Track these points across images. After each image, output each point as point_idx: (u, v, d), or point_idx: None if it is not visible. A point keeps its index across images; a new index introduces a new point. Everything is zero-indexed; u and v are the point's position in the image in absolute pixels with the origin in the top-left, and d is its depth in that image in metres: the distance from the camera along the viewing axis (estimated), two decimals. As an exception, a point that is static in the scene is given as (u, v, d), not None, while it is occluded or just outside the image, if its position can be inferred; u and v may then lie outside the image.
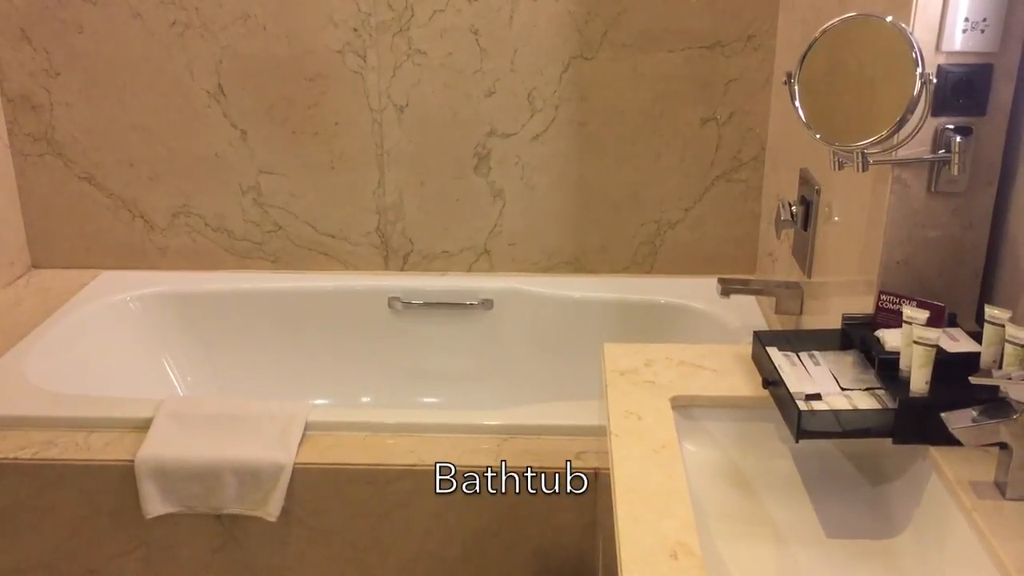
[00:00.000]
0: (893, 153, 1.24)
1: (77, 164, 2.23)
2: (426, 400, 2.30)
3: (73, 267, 2.32)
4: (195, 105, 2.17)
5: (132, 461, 1.60)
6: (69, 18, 2.10)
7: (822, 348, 1.25)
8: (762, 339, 1.28)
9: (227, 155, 2.21)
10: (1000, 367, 1.07)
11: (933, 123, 1.22)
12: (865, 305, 1.35)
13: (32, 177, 2.24)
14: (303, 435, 1.65)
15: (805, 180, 1.72)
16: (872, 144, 1.18)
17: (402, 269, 2.30)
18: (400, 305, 2.24)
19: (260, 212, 2.26)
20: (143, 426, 1.67)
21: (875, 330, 1.22)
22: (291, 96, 2.15)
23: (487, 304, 2.23)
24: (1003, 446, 1.00)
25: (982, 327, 1.09)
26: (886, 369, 1.16)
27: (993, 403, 0.99)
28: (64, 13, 2.10)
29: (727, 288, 1.87)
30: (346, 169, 2.21)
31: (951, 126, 1.22)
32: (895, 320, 1.21)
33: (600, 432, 1.63)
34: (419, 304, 2.24)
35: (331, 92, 2.14)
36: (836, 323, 1.31)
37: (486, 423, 1.68)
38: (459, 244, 2.27)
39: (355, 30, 2.09)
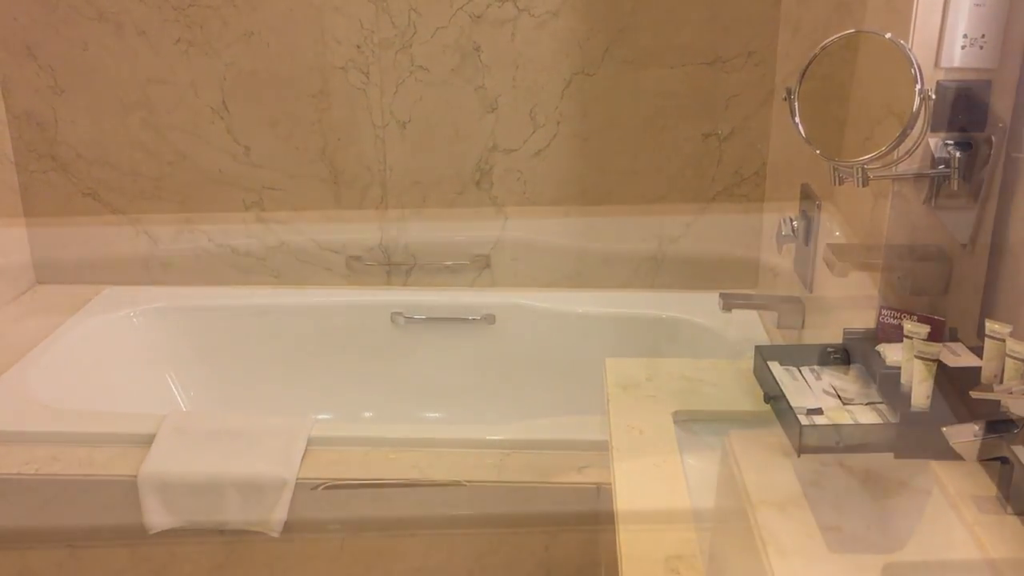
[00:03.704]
0: (893, 168, 1.24)
1: (81, 180, 2.24)
2: (428, 415, 2.30)
3: (77, 283, 2.32)
4: (199, 121, 2.18)
5: (135, 476, 1.61)
6: (74, 35, 2.12)
7: (823, 363, 1.25)
8: (763, 353, 1.28)
9: (230, 171, 2.22)
10: (1001, 381, 1.06)
11: (932, 138, 1.23)
12: (866, 320, 1.35)
13: (37, 193, 2.26)
14: (305, 450, 1.66)
15: (806, 195, 1.73)
16: (872, 159, 1.18)
17: (405, 284, 2.31)
18: (403, 320, 2.24)
19: (263, 227, 2.26)
20: (146, 441, 1.68)
21: (876, 345, 1.22)
22: (294, 112, 2.16)
23: (489, 319, 2.23)
24: (1004, 460, 1.00)
25: (983, 341, 1.10)
26: (887, 384, 1.16)
27: (994, 417, 0.99)
28: (69, 31, 2.11)
29: (729, 303, 1.87)
30: (349, 184, 2.22)
31: (950, 141, 1.22)
32: (896, 335, 1.21)
33: (602, 447, 1.63)
34: (421, 319, 2.24)
35: (334, 108, 2.15)
36: (837, 338, 1.31)
37: (488, 438, 1.68)
38: (461, 259, 2.28)
39: (358, 47, 2.10)
